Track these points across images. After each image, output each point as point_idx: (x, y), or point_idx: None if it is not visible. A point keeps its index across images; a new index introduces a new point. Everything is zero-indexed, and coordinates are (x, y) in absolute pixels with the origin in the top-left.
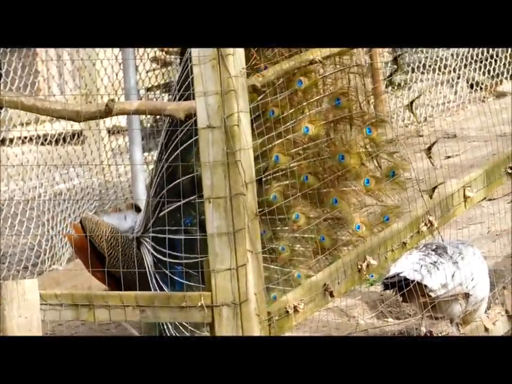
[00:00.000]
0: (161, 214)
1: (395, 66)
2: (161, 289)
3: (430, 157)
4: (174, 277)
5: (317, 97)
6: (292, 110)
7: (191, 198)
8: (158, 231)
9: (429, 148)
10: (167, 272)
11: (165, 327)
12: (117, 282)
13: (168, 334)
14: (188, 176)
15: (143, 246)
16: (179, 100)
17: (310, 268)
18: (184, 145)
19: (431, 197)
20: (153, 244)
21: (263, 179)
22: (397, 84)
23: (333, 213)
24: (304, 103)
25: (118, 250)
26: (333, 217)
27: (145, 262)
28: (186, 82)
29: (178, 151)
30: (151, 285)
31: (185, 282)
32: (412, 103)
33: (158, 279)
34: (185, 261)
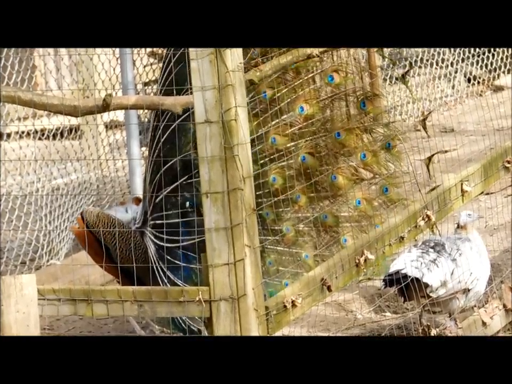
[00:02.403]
0: (157, 200)
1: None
2: (167, 277)
3: (424, 128)
4: (176, 261)
5: (309, 75)
6: (285, 90)
7: (181, 180)
8: (156, 217)
9: (424, 119)
10: (169, 258)
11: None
12: (124, 273)
13: (183, 324)
14: (179, 157)
15: (146, 236)
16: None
17: (316, 247)
18: (170, 129)
19: (427, 166)
20: (154, 232)
21: (261, 162)
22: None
23: (333, 191)
24: (297, 82)
25: (121, 241)
26: (333, 194)
27: (150, 252)
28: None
29: (165, 136)
30: (157, 274)
31: (191, 266)
32: (404, 74)
33: (163, 267)
34: (185, 243)
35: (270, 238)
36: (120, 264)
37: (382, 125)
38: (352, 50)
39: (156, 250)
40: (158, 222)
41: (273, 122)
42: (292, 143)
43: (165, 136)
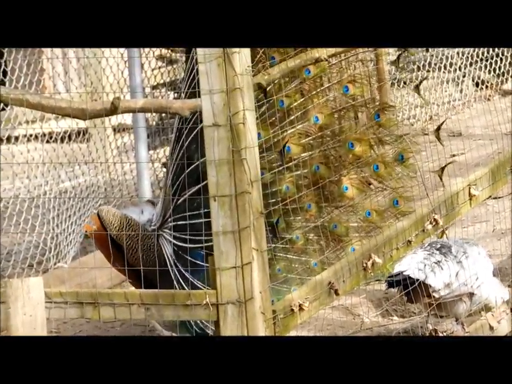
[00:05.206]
0: (179, 202)
1: (398, 64)
2: (184, 278)
3: (438, 138)
4: (198, 262)
5: (325, 86)
6: (302, 99)
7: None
8: (177, 218)
9: (438, 128)
10: (190, 258)
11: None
12: (137, 273)
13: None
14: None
15: (161, 238)
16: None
17: (326, 256)
18: (195, 131)
19: (440, 177)
20: (173, 233)
21: (276, 169)
22: (402, 81)
23: (344, 201)
24: (313, 92)
25: (136, 242)
26: (344, 205)
27: (165, 253)
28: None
29: (190, 138)
30: (172, 276)
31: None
32: (418, 85)
33: (181, 268)
34: (208, 244)
35: (279, 245)
36: (133, 265)
37: (395, 137)
38: (360, 54)
39: (174, 252)
40: (180, 223)
41: (289, 131)
42: (307, 153)
43: (189, 139)
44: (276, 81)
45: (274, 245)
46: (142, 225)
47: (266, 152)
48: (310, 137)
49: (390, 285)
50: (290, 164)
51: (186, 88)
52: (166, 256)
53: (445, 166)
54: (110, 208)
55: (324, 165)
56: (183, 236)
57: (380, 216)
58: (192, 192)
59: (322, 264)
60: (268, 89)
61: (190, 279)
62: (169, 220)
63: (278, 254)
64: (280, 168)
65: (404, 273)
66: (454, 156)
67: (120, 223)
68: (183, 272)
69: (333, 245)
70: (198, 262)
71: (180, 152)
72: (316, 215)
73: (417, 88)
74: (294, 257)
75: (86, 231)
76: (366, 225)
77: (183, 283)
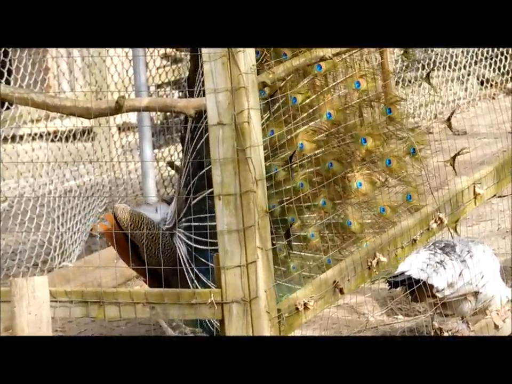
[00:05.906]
0: (193, 202)
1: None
2: (198, 278)
3: (450, 126)
4: (210, 263)
5: (337, 81)
6: (314, 95)
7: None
8: (191, 220)
9: (448, 118)
10: (203, 259)
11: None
12: (151, 272)
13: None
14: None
15: (176, 237)
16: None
17: (341, 253)
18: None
19: (452, 165)
20: (187, 233)
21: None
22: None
23: (358, 197)
24: (325, 88)
25: (151, 240)
26: (359, 201)
27: (180, 253)
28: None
29: (203, 139)
30: (186, 275)
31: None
32: (428, 74)
33: (194, 268)
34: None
35: (293, 243)
36: (148, 263)
37: (408, 130)
38: (365, 52)
39: (187, 252)
40: (194, 224)
41: (301, 128)
42: (319, 150)
43: (203, 139)
44: (288, 78)
45: (287, 243)
46: (157, 223)
47: (279, 150)
48: (322, 134)
49: (392, 285)
50: (304, 161)
51: (195, 88)
52: (180, 256)
53: (456, 154)
54: (125, 206)
55: (337, 161)
56: (197, 237)
57: (394, 211)
58: (204, 195)
59: (336, 261)
60: (281, 85)
61: (203, 279)
62: (183, 220)
63: (293, 252)
64: (291, 165)
65: (406, 273)
66: (459, 153)
67: (135, 221)
68: (197, 272)
69: (347, 242)
70: (210, 264)
71: (193, 155)
72: (330, 211)
73: (427, 76)
74: (308, 254)
75: (91, 230)
76: (381, 222)
77: (197, 283)
